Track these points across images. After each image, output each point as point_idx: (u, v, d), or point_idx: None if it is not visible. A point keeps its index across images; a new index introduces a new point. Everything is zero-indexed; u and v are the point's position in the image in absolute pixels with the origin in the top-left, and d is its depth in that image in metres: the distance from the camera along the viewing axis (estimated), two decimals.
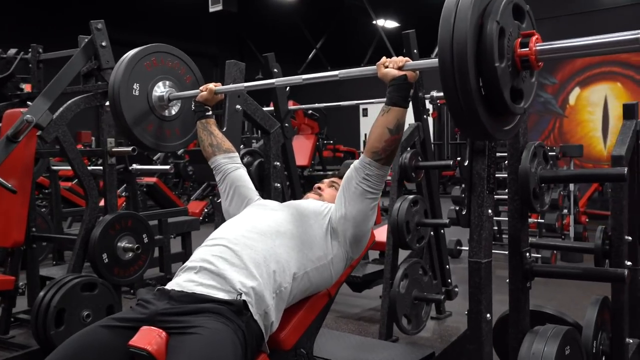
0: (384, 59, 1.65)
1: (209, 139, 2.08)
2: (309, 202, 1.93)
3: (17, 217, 3.10)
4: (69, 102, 2.98)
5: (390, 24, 16.14)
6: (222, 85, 2.19)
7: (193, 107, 2.16)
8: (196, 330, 1.40)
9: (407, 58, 1.62)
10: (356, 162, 1.74)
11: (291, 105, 5.46)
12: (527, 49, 1.34)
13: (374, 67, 1.66)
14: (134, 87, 2.25)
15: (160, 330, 1.43)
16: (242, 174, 2.05)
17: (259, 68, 3.72)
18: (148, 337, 1.40)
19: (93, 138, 11.44)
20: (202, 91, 2.11)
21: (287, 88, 3.93)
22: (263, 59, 3.77)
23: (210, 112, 2.13)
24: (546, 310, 2.20)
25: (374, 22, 15.70)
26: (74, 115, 2.98)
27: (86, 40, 3.07)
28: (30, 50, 3.52)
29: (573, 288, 4.10)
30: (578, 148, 5.33)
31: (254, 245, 1.66)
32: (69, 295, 2.73)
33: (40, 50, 3.53)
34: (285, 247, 1.70)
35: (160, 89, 2.33)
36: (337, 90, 9.88)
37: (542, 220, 4.97)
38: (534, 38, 1.35)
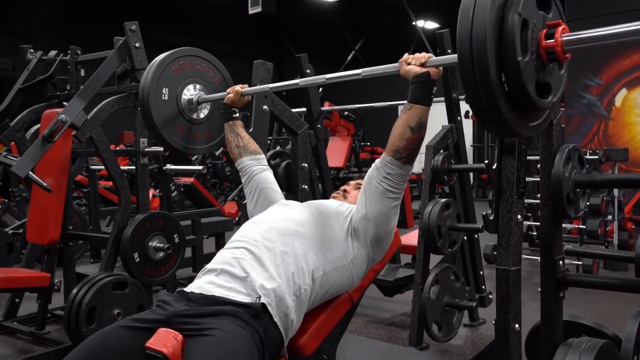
0: (406, 55, 1.60)
1: (236, 140, 2.09)
2: (330, 202, 1.91)
3: (53, 216, 3.18)
4: (103, 102, 3.03)
5: (430, 24, 15.93)
6: (250, 86, 2.19)
7: (221, 110, 2.16)
8: (211, 333, 1.39)
9: (430, 54, 1.56)
10: (377, 161, 1.70)
11: (326, 107, 5.45)
12: (553, 40, 1.27)
13: (397, 64, 1.61)
14: (163, 91, 2.25)
15: (177, 333, 1.43)
16: (268, 176, 2.04)
17: (297, 70, 3.72)
18: (164, 340, 1.40)
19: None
20: (229, 93, 2.11)
21: (320, 89, 3.89)
22: (297, 60, 3.75)
23: (237, 114, 2.12)
24: (583, 322, 2.08)
25: (414, 23, 15.55)
26: (117, 116, 3.01)
27: (121, 41, 3.12)
28: (69, 52, 3.60)
29: (616, 298, 3.92)
30: (623, 151, 5.11)
31: (272, 247, 1.65)
32: (100, 293, 2.78)
33: (79, 51, 3.60)
34: (304, 247, 1.68)
35: (190, 92, 2.32)
36: (375, 91, 9.79)
37: (584, 227, 4.77)
38: (560, 28, 1.27)
